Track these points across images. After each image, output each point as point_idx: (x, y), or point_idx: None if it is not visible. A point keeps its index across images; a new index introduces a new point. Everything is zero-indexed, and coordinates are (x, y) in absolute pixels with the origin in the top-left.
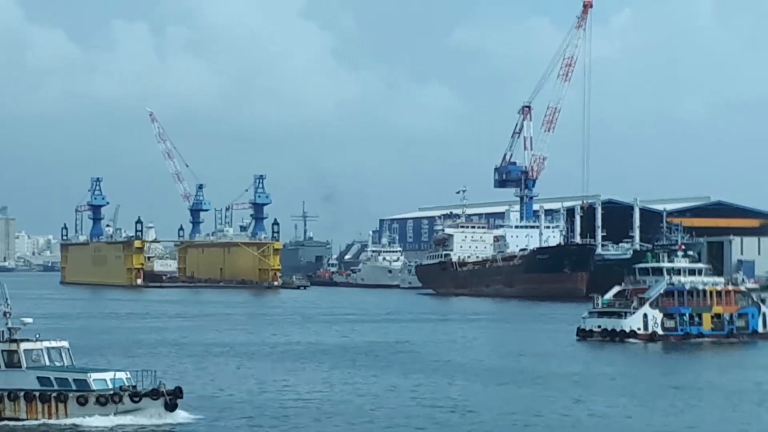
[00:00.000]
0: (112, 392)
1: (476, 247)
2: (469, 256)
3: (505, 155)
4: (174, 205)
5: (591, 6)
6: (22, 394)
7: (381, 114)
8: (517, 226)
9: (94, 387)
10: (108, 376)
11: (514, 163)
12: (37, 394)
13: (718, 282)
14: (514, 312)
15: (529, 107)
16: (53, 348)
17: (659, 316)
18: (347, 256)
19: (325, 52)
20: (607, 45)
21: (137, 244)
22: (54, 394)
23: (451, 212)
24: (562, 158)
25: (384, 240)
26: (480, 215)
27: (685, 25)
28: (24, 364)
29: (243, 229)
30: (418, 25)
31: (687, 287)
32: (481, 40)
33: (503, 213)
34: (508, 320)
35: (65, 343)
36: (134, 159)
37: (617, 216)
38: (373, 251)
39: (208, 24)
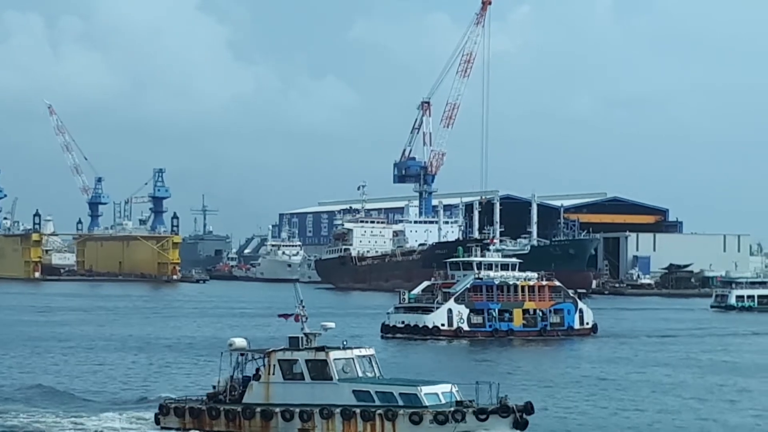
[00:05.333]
0: (453, 409)
1: (375, 242)
2: (368, 251)
3: (404, 151)
4: (72, 198)
5: (490, 3)
6: (338, 411)
7: (278, 108)
8: (416, 221)
9: (426, 402)
10: (439, 389)
11: (414, 159)
12: (357, 411)
13: (531, 277)
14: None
15: (428, 103)
16: (363, 356)
17: (465, 311)
18: (247, 250)
19: (222, 46)
20: (506, 41)
21: (35, 237)
22: (379, 412)
23: (350, 207)
24: (461, 154)
25: (283, 234)
26: (379, 210)
27: (583, 22)
28: (335, 376)
29: (142, 222)
30: (315, 19)
31: (496, 282)
32: (380, 35)
33: (402, 208)
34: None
35: (372, 351)
36: (32, 151)
37: (515, 211)
38: (273, 245)
39: (103, 16)
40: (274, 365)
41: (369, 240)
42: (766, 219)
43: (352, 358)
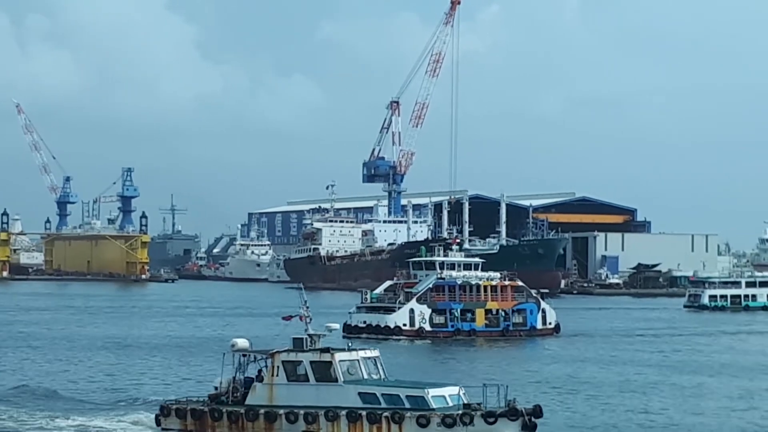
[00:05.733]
0: (461, 412)
1: (344, 242)
2: (337, 251)
3: (373, 150)
4: (41, 197)
5: (459, 3)
6: (343, 413)
7: (246, 107)
8: (385, 221)
9: (433, 405)
10: (446, 391)
11: (383, 158)
12: (363, 413)
13: (494, 277)
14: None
15: (397, 102)
16: (368, 358)
17: (427, 311)
18: (216, 250)
19: (190, 45)
20: (475, 41)
21: (2, 236)
22: (386, 414)
23: (319, 206)
24: (431, 153)
25: (252, 234)
26: (348, 210)
27: (551, 22)
28: (341, 378)
29: (111, 221)
30: (284, 18)
31: (459, 282)
32: (348, 34)
33: (371, 207)
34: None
35: (377, 353)
36: (0, 150)
37: (484, 211)
38: (242, 245)
39: (69, 14)
40: (278, 366)
41: (338, 239)
42: (733, 219)
43: (357, 360)
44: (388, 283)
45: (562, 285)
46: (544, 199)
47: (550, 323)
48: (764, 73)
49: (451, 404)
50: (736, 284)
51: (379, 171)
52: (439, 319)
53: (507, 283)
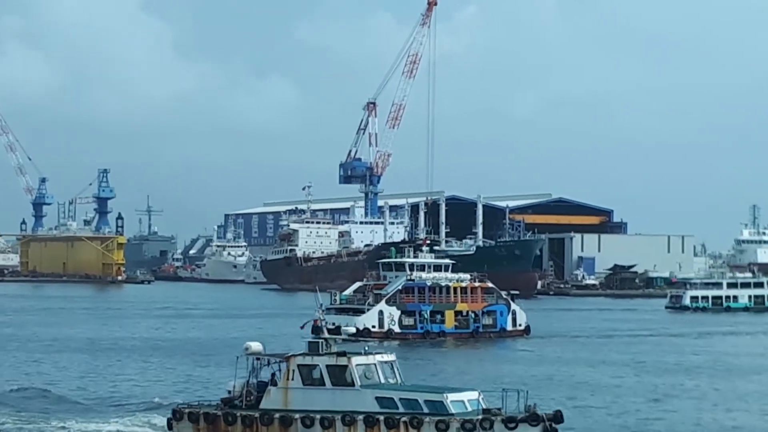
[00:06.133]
0: (480, 417)
1: (321, 243)
2: (314, 252)
3: (350, 151)
4: (16, 198)
5: (435, 4)
6: (360, 417)
7: (222, 107)
8: (361, 222)
9: (453, 410)
10: (465, 396)
11: (359, 159)
12: (381, 417)
13: (463, 278)
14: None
15: (374, 103)
16: (385, 362)
17: (396, 313)
18: (192, 251)
19: (166, 45)
20: (452, 41)
21: None
22: (404, 419)
23: (296, 207)
24: (407, 155)
25: (229, 235)
26: (325, 211)
27: (529, 22)
28: (358, 382)
29: (87, 223)
30: (260, 18)
31: (428, 283)
32: (325, 35)
33: (348, 209)
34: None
35: (394, 357)
36: None
37: (461, 212)
38: (218, 246)
39: (44, 14)
40: (294, 370)
41: (315, 241)
42: (710, 220)
43: (374, 364)
44: (357, 284)
45: (539, 286)
46: (521, 200)
47: (520, 324)
48: (743, 73)
49: (470, 409)
50: (718, 285)
51: (355, 172)
52: (408, 321)
53: (477, 284)
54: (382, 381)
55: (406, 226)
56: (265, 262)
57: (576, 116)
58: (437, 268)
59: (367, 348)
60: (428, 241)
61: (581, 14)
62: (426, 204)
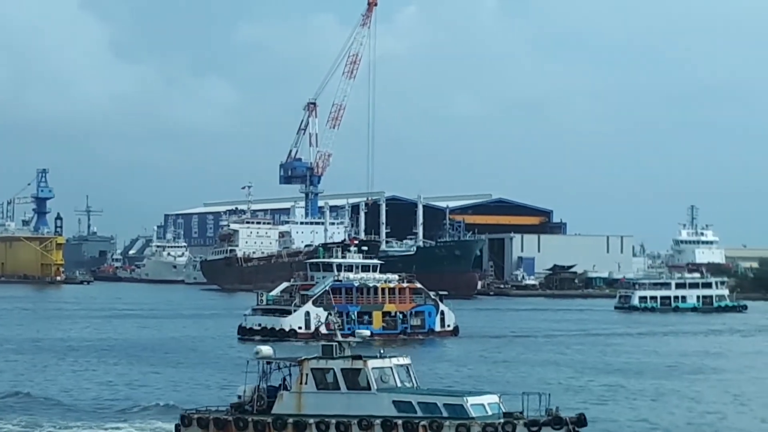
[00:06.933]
0: (502, 421)
1: (261, 243)
2: (254, 252)
3: (290, 151)
4: None
5: (375, 5)
6: (378, 422)
7: (161, 108)
8: (302, 222)
9: (473, 414)
10: (485, 399)
11: (300, 160)
12: (399, 422)
13: (391, 279)
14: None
15: (314, 104)
16: (401, 365)
17: (323, 314)
18: (132, 251)
19: (104, 45)
20: (392, 42)
21: None
22: (423, 423)
23: (236, 208)
24: (348, 155)
25: (169, 235)
26: (265, 211)
27: (469, 23)
28: (374, 386)
29: (25, 223)
30: (199, 19)
31: (356, 284)
32: (265, 35)
33: (289, 209)
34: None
35: (409, 360)
36: None
37: (401, 213)
38: (158, 246)
39: None
40: (307, 374)
41: (255, 241)
42: (648, 220)
43: (390, 367)
44: (284, 284)
45: (479, 286)
46: (461, 201)
47: (449, 325)
48: (680, 75)
49: (490, 413)
50: (666, 285)
51: (296, 172)
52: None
53: (405, 285)
54: (399, 384)
55: (346, 227)
56: (205, 262)
57: (516, 118)
58: (365, 268)
59: (382, 351)
60: (356, 241)
61: (521, 16)
62: (366, 204)
